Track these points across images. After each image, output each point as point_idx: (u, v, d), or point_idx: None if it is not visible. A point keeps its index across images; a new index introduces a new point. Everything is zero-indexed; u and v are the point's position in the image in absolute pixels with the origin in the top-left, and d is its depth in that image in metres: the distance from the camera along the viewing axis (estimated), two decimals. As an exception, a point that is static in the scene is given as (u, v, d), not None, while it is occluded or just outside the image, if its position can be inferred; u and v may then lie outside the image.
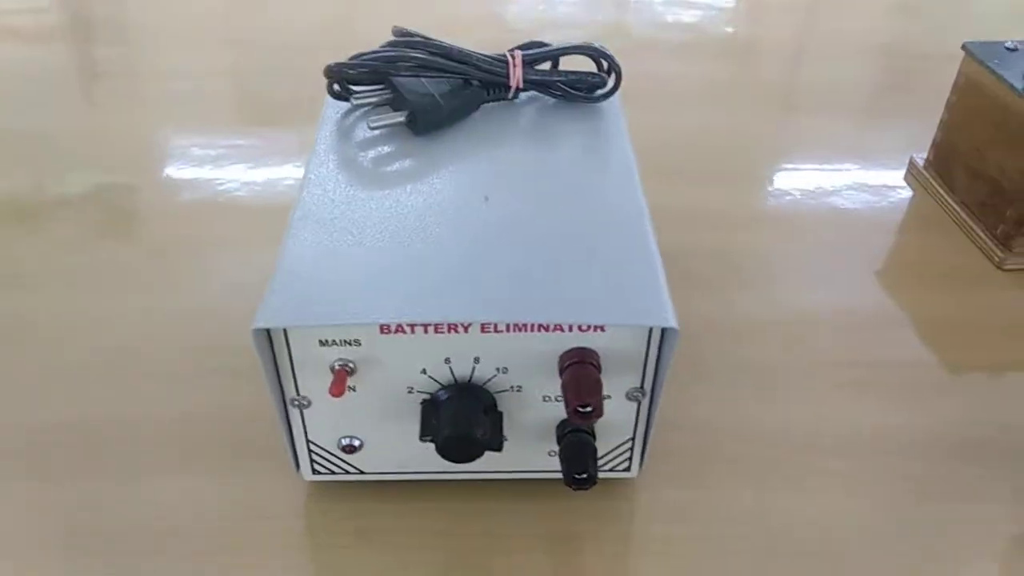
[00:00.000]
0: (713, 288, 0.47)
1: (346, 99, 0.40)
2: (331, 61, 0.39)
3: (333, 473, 0.34)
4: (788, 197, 0.55)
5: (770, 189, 0.56)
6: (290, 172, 0.57)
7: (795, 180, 0.57)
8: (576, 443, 0.32)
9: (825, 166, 0.58)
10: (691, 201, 0.54)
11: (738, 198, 0.55)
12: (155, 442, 0.38)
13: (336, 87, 0.40)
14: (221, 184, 0.56)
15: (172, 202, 0.54)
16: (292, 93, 0.67)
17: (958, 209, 0.52)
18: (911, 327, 0.45)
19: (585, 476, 0.31)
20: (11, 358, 0.42)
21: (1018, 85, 0.47)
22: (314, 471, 0.34)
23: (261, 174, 0.57)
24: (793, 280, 0.48)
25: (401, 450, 0.33)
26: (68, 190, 0.55)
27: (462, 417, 0.30)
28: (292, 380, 0.31)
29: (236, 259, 0.49)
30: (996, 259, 0.48)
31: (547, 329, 0.30)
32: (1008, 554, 0.34)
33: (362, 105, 0.40)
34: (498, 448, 0.32)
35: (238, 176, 0.57)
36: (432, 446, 0.31)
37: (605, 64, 0.42)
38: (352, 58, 0.39)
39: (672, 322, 0.29)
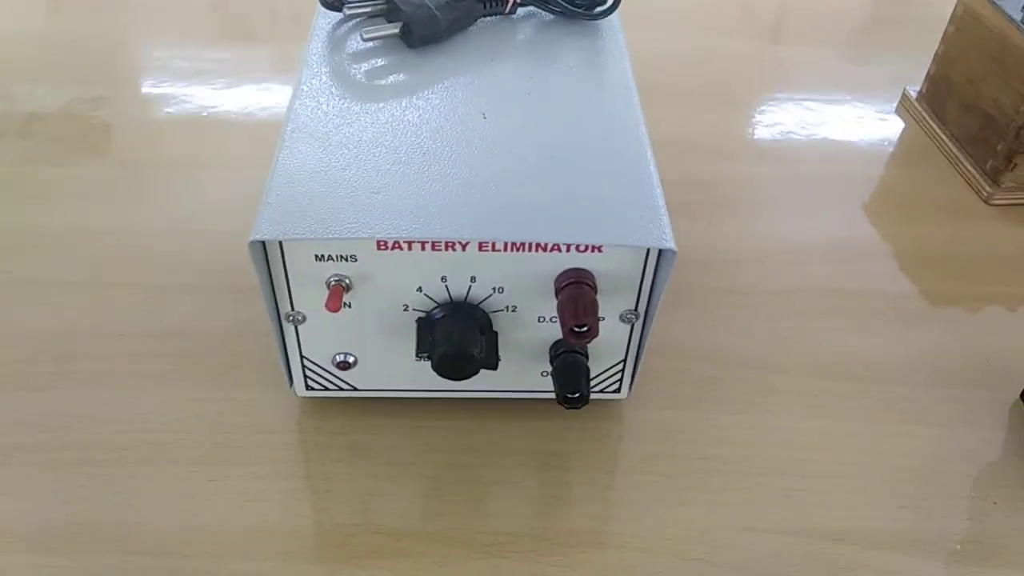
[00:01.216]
0: (700, 216, 0.47)
1: (338, 9, 0.39)
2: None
3: (327, 389, 0.35)
4: (779, 126, 0.55)
5: (761, 118, 0.56)
6: (271, 88, 0.56)
7: (787, 110, 0.56)
8: (569, 363, 0.32)
9: (818, 96, 0.58)
10: (680, 128, 0.53)
11: (728, 126, 0.55)
12: (141, 356, 0.38)
13: (328, -4, 0.38)
14: (199, 99, 0.54)
15: (148, 118, 0.53)
16: (271, 6, 0.65)
17: (949, 143, 0.52)
18: (896, 258, 0.45)
19: (578, 395, 0.32)
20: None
21: (1017, 16, 0.47)
22: (308, 387, 0.34)
23: (241, 90, 0.55)
24: (781, 210, 0.48)
25: (395, 367, 0.34)
26: (39, 103, 0.53)
27: (458, 335, 0.30)
28: (287, 295, 0.31)
29: (217, 176, 0.48)
30: (984, 194, 0.49)
31: (544, 249, 0.30)
32: (983, 478, 0.35)
33: (355, 15, 0.39)
34: (494, 367, 0.32)
35: (217, 91, 0.55)
36: (426, 364, 0.31)
37: (605, -19, 0.41)
38: (345, -35, 0.38)
39: (670, 243, 0.29)
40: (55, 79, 0.56)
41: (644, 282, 0.31)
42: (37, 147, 0.50)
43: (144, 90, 0.55)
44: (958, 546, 0.32)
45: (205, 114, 0.53)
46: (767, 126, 0.55)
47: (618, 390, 0.36)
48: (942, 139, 0.52)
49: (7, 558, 0.31)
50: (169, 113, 0.53)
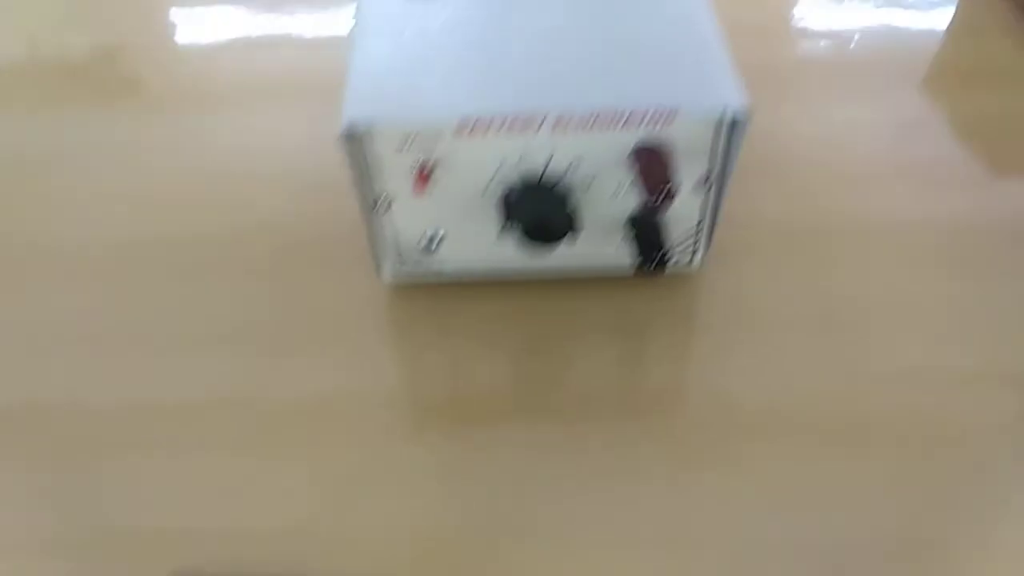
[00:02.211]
0: (753, 99, 0.47)
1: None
2: None
3: (414, 274, 0.36)
4: (835, 3, 0.54)
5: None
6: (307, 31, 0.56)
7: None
8: (646, 229, 0.33)
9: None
10: (730, 11, 0.53)
11: (780, 8, 0.54)
12: (232, 249, 0.40)
13: None
14: (235, 45, 0.54)
15: (181, 64, 0.52)
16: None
17: (1008, 9, 0.51)
18: (954, 127, 0.45)
19: (654, 260, 0.33)
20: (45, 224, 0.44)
21: None
22: (395, 273, 0.36)
23: (279, 35, 0.55)
24: (838, 87, 0.48)
25: (479, 247, 0.35)
26: (67, 53, 0.52)
27: (539, 204, 0.32)
28: (376, 180, 0.32)
29: (262, 119, 0.48)
30: (1048, 56, 0.48)
31: (618, 124, 0.31)
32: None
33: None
34: (577, 229, 0.33)
35: (252, 35, 0.55)
36: (507, 243, 0.33)
37: None
38: None
39: (743, 103, 0.30)
40: (82, 26, 0.55)
41: (717, 149, 0.32)
42: (76, 88, 0.50)
43: (176, 37, 0.56)
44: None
45: (245, 60, 0.52)
46: (821, 4, 0.54)
47: (691, 262, 0.37)
48: (999, 7, 0.51)
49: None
50: (204, 59, 0.53)
